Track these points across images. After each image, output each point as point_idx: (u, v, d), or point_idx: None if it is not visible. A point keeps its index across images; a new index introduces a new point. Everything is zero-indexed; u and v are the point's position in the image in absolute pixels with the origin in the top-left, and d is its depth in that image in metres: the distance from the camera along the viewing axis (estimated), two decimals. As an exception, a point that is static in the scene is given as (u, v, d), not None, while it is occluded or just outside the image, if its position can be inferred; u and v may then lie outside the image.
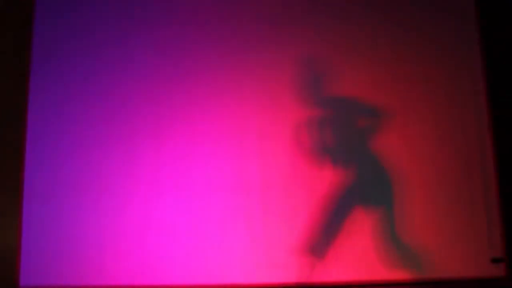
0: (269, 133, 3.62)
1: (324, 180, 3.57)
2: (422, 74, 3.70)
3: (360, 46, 3.72)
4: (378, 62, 3.71)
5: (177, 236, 3.49)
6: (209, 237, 3.49)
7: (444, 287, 3.43)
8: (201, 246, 3.48)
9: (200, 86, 3.64)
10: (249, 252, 3.48)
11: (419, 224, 3.52)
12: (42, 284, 3.41)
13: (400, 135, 3.63)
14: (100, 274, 3.43)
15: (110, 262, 3.44)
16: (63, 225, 3.47)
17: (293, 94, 3.65)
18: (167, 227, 3.49)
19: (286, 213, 3.53)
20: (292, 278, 3.45)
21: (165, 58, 3.68)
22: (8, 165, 3.39)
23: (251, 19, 3.74)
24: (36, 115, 3.54)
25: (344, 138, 3.64)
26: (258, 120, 3.63)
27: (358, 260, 3.47)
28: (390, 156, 3.59)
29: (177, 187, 3.53)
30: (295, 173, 3.58)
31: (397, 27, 3.75)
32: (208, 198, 3.53)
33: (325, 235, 3.50)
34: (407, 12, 3.78)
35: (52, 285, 3.41)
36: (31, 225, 3.43)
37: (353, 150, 3.62)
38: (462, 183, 3.56)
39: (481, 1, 3.74)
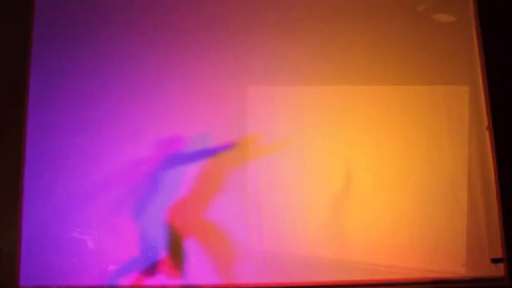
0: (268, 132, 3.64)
1: (322, 180, 3.59)
2: (421, 73, 3.71)
3: (356, 45, 3.72)
4: (376, 62, 3.71)
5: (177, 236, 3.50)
6: (209, 237, 3.50)
7: (444, 287, 3.44)
8: (200, 246, 3.49)
9: (201, 88, 3.65)
10: (249, 252, 3.49)
11: (419, 224, 3.52)
12: (42, 284, 3.40)
13: (399, 136, 3.64)
14: (100, 274, 3.43)
15: (110, 262, 3.44)
16: (63, 225, 3.47)
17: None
18: (167, 228, 3.49)
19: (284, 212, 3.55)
20: (292, 278, 3.46)
21: (166, 57, 3.68)
22: (8, 165, 3.38)
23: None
24: (36, 115, 3.54)
25: (344, 139, 3.65)
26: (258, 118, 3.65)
27: (357, 260, 3.48)
28: (390, 157, 3.60)
29: (177, 188, 3.53)
30: (294, 172, 3.59)
31: (395, 27, 3.75)
32: (207, 198, 3.53)
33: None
34: (406, 11, 3.79)
35: (52, 285, 3.41)
36: (31, 225, 3.43)
37: (352, 150, 3.63)
38: (462, 183, 3.57)
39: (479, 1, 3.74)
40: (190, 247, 3.46)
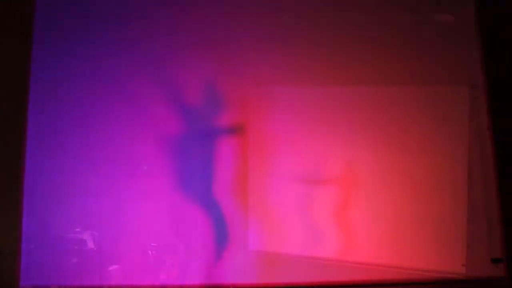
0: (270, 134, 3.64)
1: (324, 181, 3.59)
2: (421, 73, 3.71)
3: (356, 46, 3.72)
4: (376, 62, 3.71)
5: (178, 236, 3.49)
6: (208, 237, 3.50)
7: (444, 287, 3.43)
8: (201, 246, 3.49)
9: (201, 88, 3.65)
10: (249, 252, 3.49)
11: (418, 224, 3.52)
12: (42, 284, 3.40)
13: (399, 136, 3.64)
14: (100, 274, 3.43)
15: (110, 262, 3.44)
16: (63, 225, 3.47)
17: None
18: (167, 228, 3.49)
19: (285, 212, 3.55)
20: (292, 278, 3.46)
21: (165, 57, 3.68)
22: (8, 165, 3.38)
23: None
24: (36, 115, 3.53)
25: (345, 139, 3.65)
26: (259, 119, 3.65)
27: (357, 260, 3.48)
28: (390, 157, 3.60)
29: (178, 188, 3.53)
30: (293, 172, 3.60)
31: (395, 27, 3.75)
32: (206, 198, 3.54)
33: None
34: (405, 11, 3.79)
35: (52, 285, 3.40)
36: (31, 225, 3.42)
37: (353, 150, 3.63)
38: (462, 183, 3.57)
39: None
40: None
